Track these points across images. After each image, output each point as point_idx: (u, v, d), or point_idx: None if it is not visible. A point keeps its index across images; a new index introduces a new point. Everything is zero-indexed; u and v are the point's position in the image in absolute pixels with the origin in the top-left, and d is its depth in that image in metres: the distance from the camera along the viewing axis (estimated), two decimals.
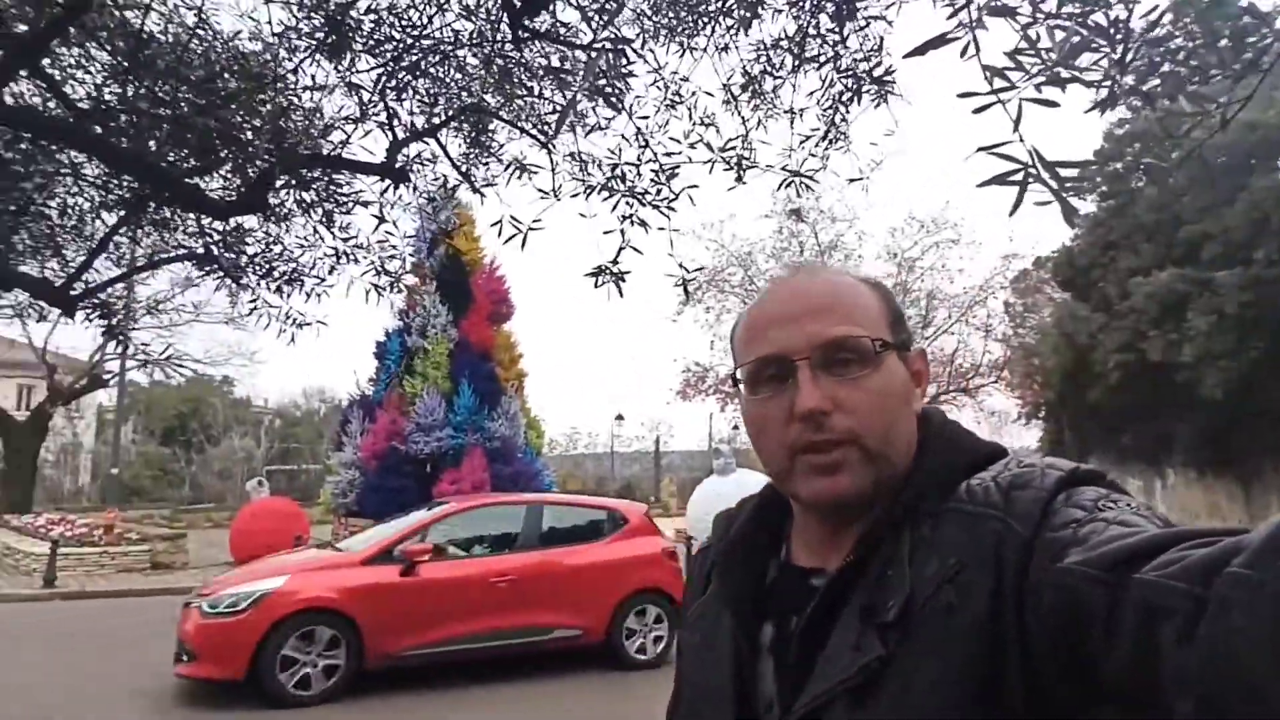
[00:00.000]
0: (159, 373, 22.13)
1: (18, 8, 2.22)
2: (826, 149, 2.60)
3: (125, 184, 2.95)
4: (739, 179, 2.61)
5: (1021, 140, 1.05)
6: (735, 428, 30.36)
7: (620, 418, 29.50)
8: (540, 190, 2.48)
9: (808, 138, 2.61)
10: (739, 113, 2.60)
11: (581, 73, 2.23)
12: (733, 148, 2.57)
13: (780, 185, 2.59)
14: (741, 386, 0.79)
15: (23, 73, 2.62)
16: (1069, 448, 28.84)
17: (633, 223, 2.45)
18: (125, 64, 2.42)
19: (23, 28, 2.23)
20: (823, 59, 2.34)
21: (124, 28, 2.40)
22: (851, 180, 2.70)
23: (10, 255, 2.80)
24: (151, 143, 2.54)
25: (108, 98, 2.55)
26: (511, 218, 2.31)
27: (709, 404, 29.78)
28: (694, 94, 2.62)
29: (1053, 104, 1.05)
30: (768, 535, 0.84)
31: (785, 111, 2.59)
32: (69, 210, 3.43)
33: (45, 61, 2.56)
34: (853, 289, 0.79)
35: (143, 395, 32.32)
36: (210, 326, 21.74)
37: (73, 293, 2.71)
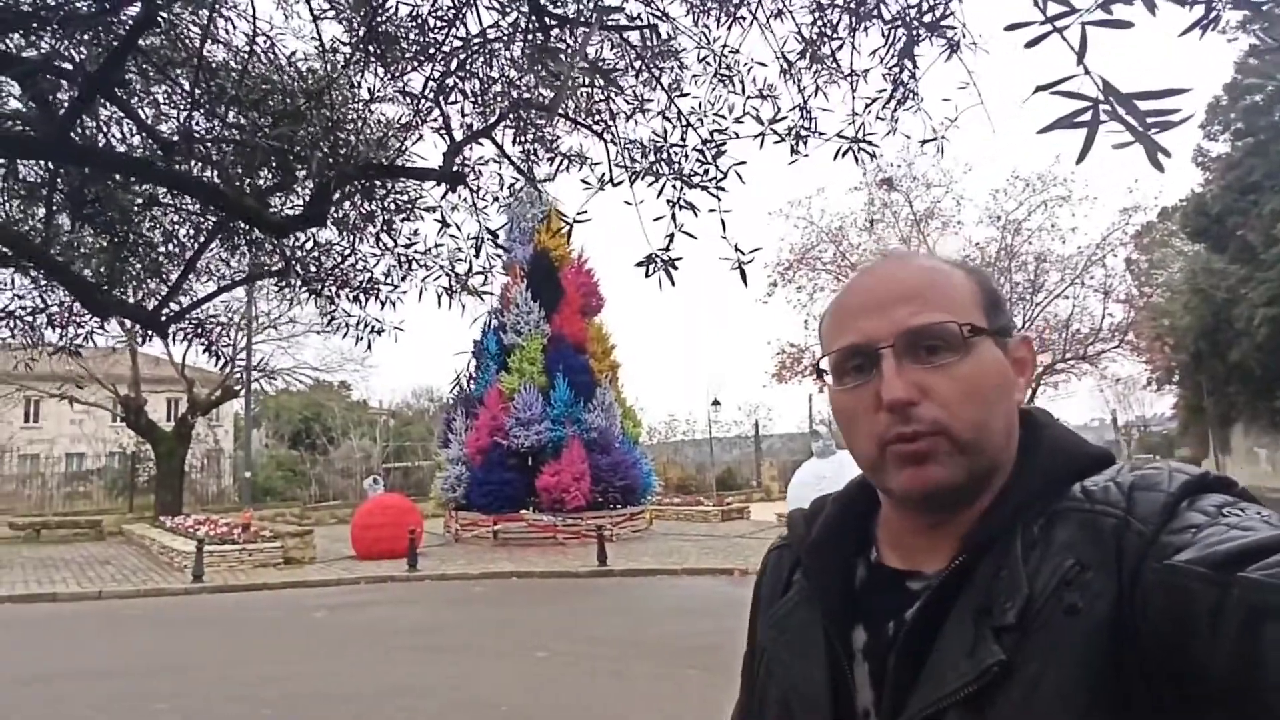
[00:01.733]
0: (282, 381, 23.77)
1: (89, 46, 2.38)
2: (895, 110, 2.42)
3: (211, 210, 3.13)
4: (794, 150, 2.47)
5: (1088, 73, 0.90)
6: None
7: (717, 403, 29.25)
8: (584, 182, 2.44)
9: (873, 100, 2.44)
10: (796, 81, 2.46)
11: (573, 51, 2.16)
12: (784, 119, 2.44)
13: (837, 154, 2.43)
14: (828, 377, 0.77)
15: (114, 111, 2.84)
16: (1209, 414, 26.47)
17: (681, 207, 2.36)
18: (197, 94, 2.56)
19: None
20: (883, 12, 2.17)
21: (194, 59, 2.54)
22: (924, 142, 2.51)
23: (114, 284, 3.03)
24: (229, 168, 2.68)
25: (189, 128, 2.70)
26: (558, 211, 2.27)
27: (806, 385, 29.12)
28: (748, 66, 2.50)
29: (1125, 24, 0.89)
30: (853, 535, 0.81)
31: (846, 75, 2.43)
32: (173, 237, 3.70)
33: (134, 100, 2.76)
34: (941, 274, 0.76)
35: (271, 403, 34.80)
36: (322, 336, 23.14)
37: (165, 315, 2.90)
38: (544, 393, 16.36)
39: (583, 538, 15.31)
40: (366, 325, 3.13)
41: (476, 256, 2.79)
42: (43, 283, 3.38)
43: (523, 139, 2.88)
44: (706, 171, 2.44)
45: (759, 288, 27.61)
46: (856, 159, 2.44)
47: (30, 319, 3.07)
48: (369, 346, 3.08)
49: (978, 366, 0.71)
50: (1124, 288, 24.77)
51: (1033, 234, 24.75)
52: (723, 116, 2.48)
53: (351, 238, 2.98)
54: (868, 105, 2.47)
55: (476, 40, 2.45)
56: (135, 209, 3.02)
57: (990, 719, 0.61)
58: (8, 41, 2.47)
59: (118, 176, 2.68)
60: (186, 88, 2.66)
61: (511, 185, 2.99)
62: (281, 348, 22.86)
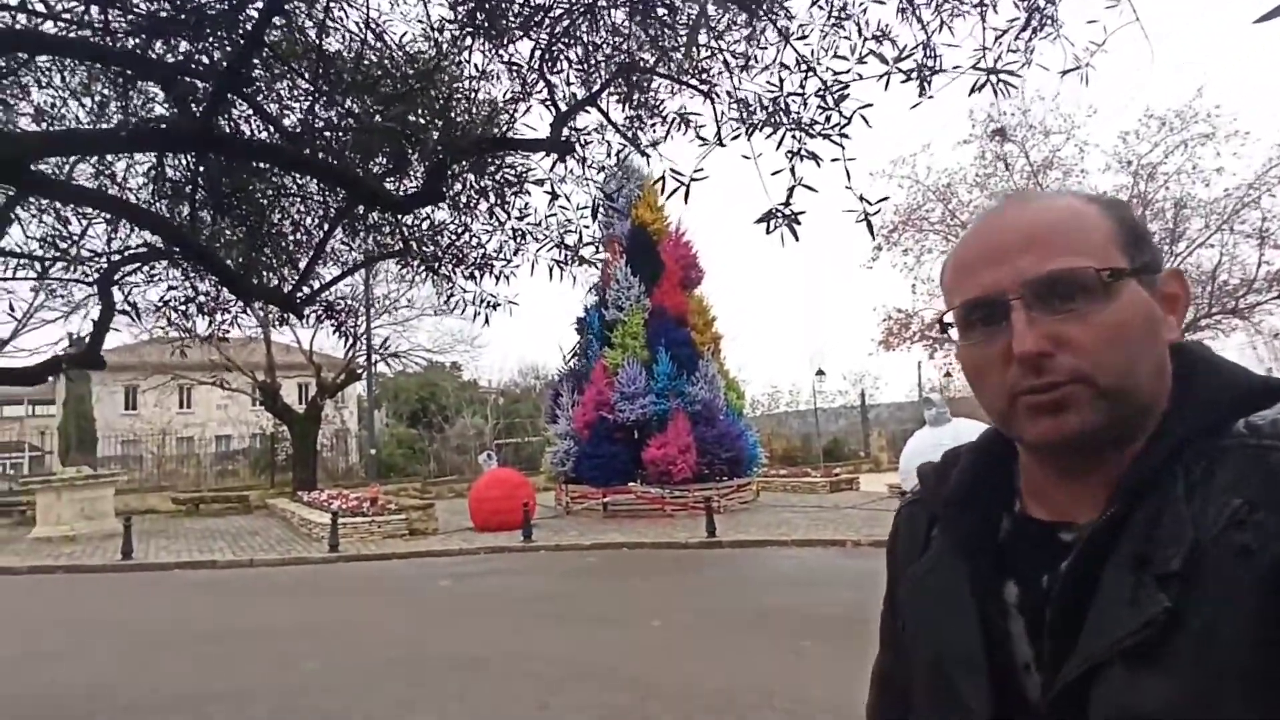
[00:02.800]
0: (398, 363, 25.06)
1: (219, 46, 2.53)
2: (1030, 39, 2.20)
3: (338, 196, 3.28)
4: (922, 90, 2.29)
5: None
6: (947, 374, 28.11)
7: (821, 373, 28.56)
8: (700, 138, 2.36)
9: (1005, 30, 2.22)
10: (918, 17, 2.28)
11: None
12: (910, 55, 2.26)
13: (974, 88, 2.22)
14: (952, 331, 0.73)
15: (245, 108, 3.01)
16: None
17: (802, 158, 2.25)
18: (317, 84, 2.67)
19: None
20: None
21: (312, 51, 2.65)
22: (1065, 72, 2.26)
23: (251, 272, 3.24)
24: (348, 155, 2.79)
25: (311, 119, 2.83)
26: (672, 170, 2.22)
27: (915, 352, 27.90)
28: (863, 6, 2.34)
29: None
30: (993, 486, 0.77)
31: (974, 4, 2.22)
32: (300, 226, 3.93)
33: (259, 95, 2.92)
34: (1072, 212, 0.70)
35: (390, 384, 36.78)
36: (434, 319, 24.19)
37: (299, 297, 3.07)
38: (647, 367, 16.47)
39: (690, 509, 15.38)
40: (483, 301, 3.21)
41: (593, 219, 2.78)
42: (191, 274, 3.66)
43: (628, 104, 2.84)
44: (828, 118, 2.31)
45: (863, 252, 26.63)
46: (996, 91, 2.23)
47: (183, 308, 3.33)
48: (486, 321, 3.16)
49: (1121, 312, 0.65)
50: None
51: (1169, 179, 22.58)
52: (844, 58, 2.33)
53: (465, 216, 3.06)
54: (999, 36, 2.26)
55: (581, 5, 2.42)
56: (266, 201, 3.22)
57: (1158, 670, 0.58)
58: (151, 49, 2.67)
59: (251, 170, 2.84)
60: (306, 80, 2.80)
61: (619, 152, 2.97)
62: (397, 331, 24.08)
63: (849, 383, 33.35)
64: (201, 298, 3.40)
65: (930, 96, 2.28)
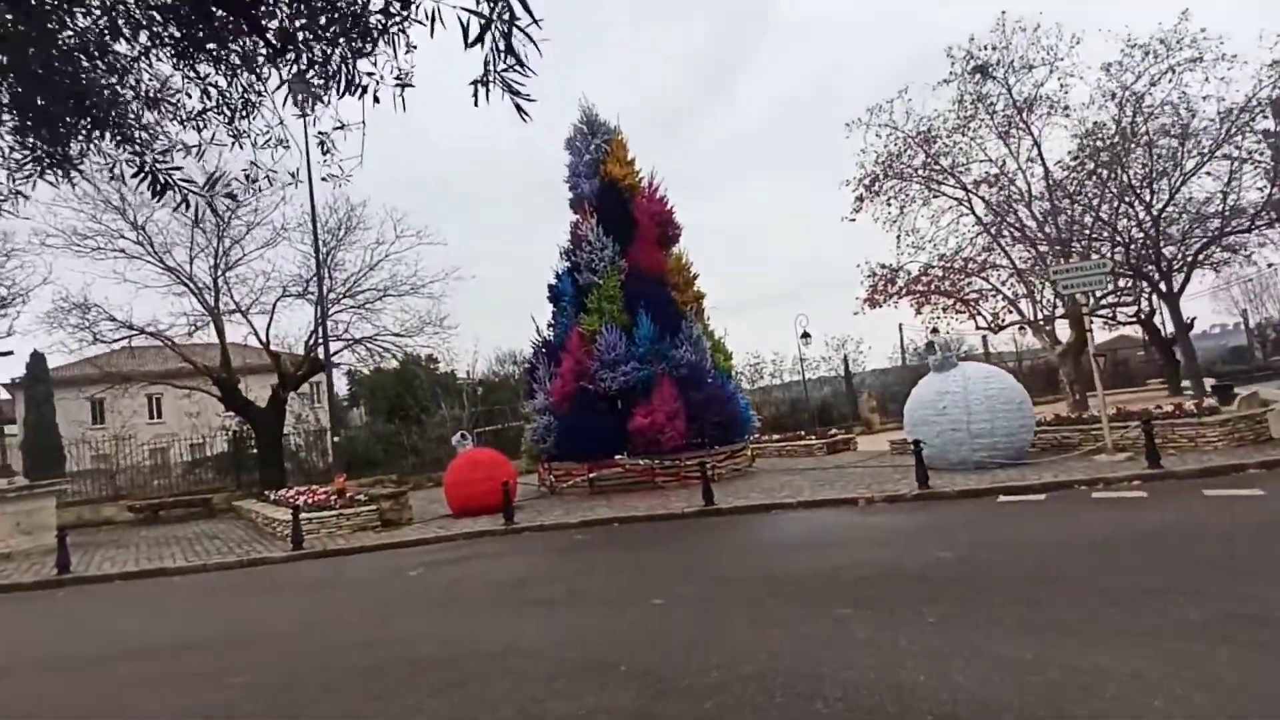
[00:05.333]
0: (364, 350, 23.64)
1: None
2: None
3: None
4: None
5: None
6: (934, 330, 27.05)
7: (807, 335, 27.60)
8: None
9: None
10: None
11: None
12: None
13: None
14: None
15: None
16: None
17: None
18: None
19: None
20: None
21: None
22: None
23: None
24: None
25: None
26: None
27: (903, 310, 26.85)
28: None
29: None
30: None
31: None
32: None
33: None
34: None
35: (366, 382, 35.39)
36: (398, 299, 22.67)
37: None
38: (626, 331, 15.33)
39: (682, 479, 14.36)
40: (380, 79, 2.05)
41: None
42: None
43: None
44: None
45: (844, 205, 25.58)
46: None
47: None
48: (376, 100, 2.01)
49: None
50: (1268, 157, 21.53)
51: (1155, 109, 21.77)
52: None
53: None
54: None
55: None
56: None
57: None
58: None
59: None
60: None
61: None
62: (360, 315, 22.69)
63: (831, 349, 32.46)
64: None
65: None
